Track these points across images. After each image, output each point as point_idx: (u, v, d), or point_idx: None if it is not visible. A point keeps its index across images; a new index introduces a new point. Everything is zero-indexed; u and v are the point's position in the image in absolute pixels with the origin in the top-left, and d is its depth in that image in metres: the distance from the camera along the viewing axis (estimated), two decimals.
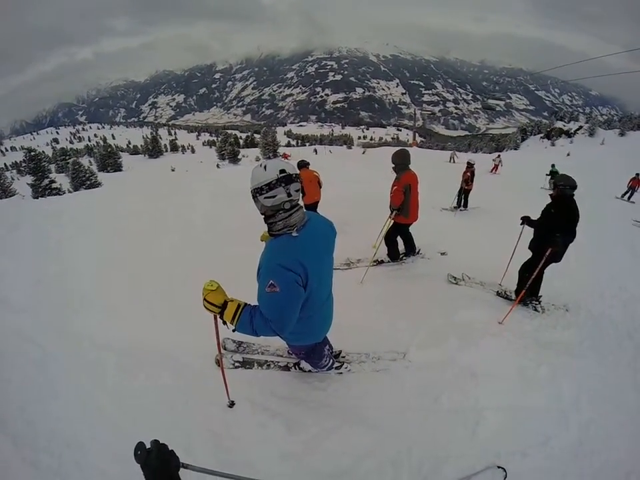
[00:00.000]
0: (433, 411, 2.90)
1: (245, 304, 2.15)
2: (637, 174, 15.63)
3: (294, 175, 2.04)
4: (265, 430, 2.76)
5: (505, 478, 2.35)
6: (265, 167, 2.00)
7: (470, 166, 11.10)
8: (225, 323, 2.15)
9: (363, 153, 38.19)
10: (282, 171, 1.98)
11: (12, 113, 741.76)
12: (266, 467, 2.49)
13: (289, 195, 2.02)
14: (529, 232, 4.41)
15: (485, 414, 2.81)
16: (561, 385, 3.13)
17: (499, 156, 23.66)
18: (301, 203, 2.23)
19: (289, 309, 2.03)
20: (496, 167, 21.61)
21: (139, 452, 1.26)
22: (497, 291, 4.76)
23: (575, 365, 3.41)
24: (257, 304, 2.11)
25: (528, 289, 4.14)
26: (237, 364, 3.34)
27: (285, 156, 41.50)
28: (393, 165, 5.03)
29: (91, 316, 4.35)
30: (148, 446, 1.31)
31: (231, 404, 2.93)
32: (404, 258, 5.57)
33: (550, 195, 4.13)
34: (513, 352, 3.52)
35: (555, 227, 3.88)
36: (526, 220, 4.44)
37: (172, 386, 3.19)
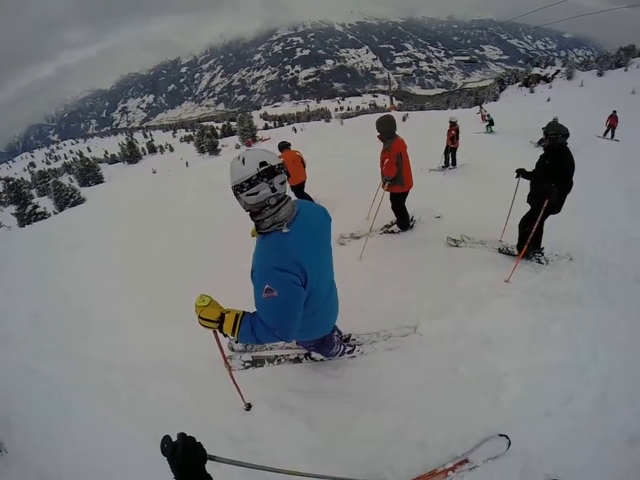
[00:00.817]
0: (451, 383, 2.84)
1: (244, 313, 1.99)
2: (614, 111, 15.63)
3: (277, 167, 1.80)
4: (285, 428, 2.70)
5: (509, 445, 2.32)
6: (243, 161, 1.77)
7: (453, 124, 10.86)
8: (225, 335, 2.03)
9: (341, 124, 37.65)
10: (262, 164, 1.75)
11: None
12: (293, 466, 2.44)
13: (274, 189, 1.80)
14: (525, 185, 4.28)
15: (505, 380, 2.77)
16: (576, 338, 3.08)
17: (481, 107, 26.82)
18: (288, 188, 2.01)
19: (290, 313, 1.86)
20: (483, 116, 22.99)
21: (165, 445, 1.23)
22: (499, 248, 4.66)
23: (587, 315, 3.34)
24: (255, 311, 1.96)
25: (530, 242, 4.06)
26: (247, 364, 3.26)
27: (264, 139, 40.97)
28: (379, 134, 4.83)
29: (94, 336, 4.30)
30: (175, 439, 1.27)
31: (248, 406, 2.87)
32: (413, 225, 5.45)
33: (542, 145, 4.01)
34: (524, 310, 3.45)
35: (550, 178, 3.77)
36: (521, 172, 4.28)
37: (185, 396, 3.13)
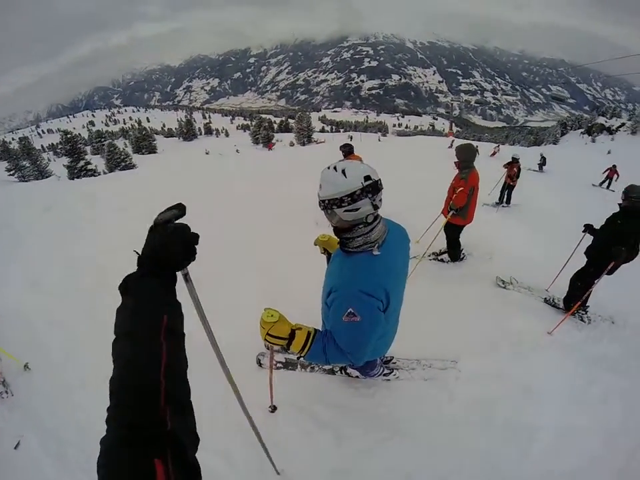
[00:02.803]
0: (485, 426, 2.74)
1: (315, 330, 1.84)
2: (614, 165, 16.81)
3: (379, 182, 1.64)
4: (311, 439, 2.63)
5: None
6: (343, 172, 1.58)
7: (515, 161, 10.48)
8: (286, 350, 1.88)
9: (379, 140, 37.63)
10: (367, 178, 1.58)
11: (49, 97, 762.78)
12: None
13: (375, 207, 1.64)
14: (587, 240, 4.13)
15: (539, 434, 2.67)
16: (610, 405, 2.96)
17: (498, 145, 29.79)
18: None
19: (369, 340, 1.73)
20: (494, 153, 24.66)
21: (174, 210, 0.97)
22: (545, 298, 4.49)
23: (623, 383, 3.18)
24: (327, 329, 1.84)
25: (580, 299, 3.91)
26: (279, 364, 3.18)
27: (320, 141, 41.07)
28: (457, 160, 4.69)
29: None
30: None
31: (273, 409, 2.79)
32: (464, 258, 5.32)
33: (619, 204, 3.78)
34: (563, 367, 3.33)
35: (619, 240, 3.56)
36: (589, 228, 4.11)
37: (210, 386, 3.04)
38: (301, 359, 1.88)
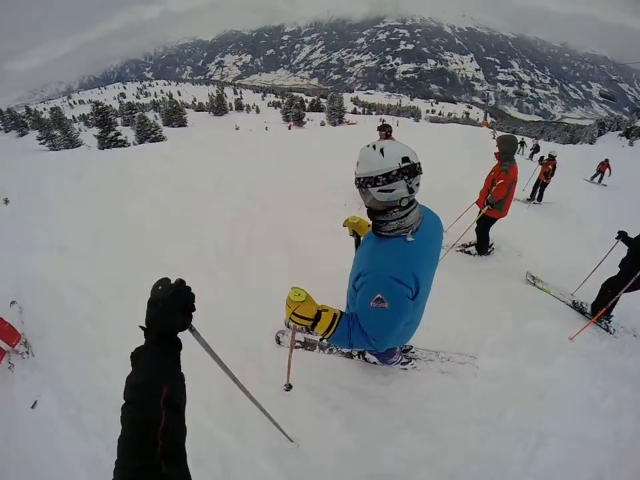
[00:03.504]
0: (496, 426, 2.72)
1: (341, 313, 1.79)
2: (606, 159, 16.10)
3: (418, 165, 1.58)
4: (322, 421, 2.64)
5: None
6: (381, 151, 1.54)
7: (552, 158, 10.22)
8: (309, 331, 1.85)
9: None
10: (405, 159, 1.53)
11: (80, 69, 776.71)
12: (318, 461, 2.42)
13: (411, 190, 1.59)
14: (620, 248, 4.00)
15: (548, 440, 2.63)
16: (622, 420, 2.89)
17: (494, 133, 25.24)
18: None
19: (395, 327, 1.69)
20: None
21: (161, 286, 1.07)
22: (573, 301, 4.38)
23: (637, 398, 3.10)
24: (352, 312, 1.79)
25: (608, 308, 3.82)
26: (297, 344, 3.18)
27: (351, 123, 40.61)
28: (498, 152, 4.59)
29: (149, 272, 4.30)
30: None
31: (288, 387, 2.81)
32: (491, 252, 5.22)
33: None
34: (581, 376, 3.25)
35: None
36: (623, 235, 3.98)
37: (228, 358, 3.06)
38: (324, 340, 1.84)
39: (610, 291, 3.81)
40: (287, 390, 2.79)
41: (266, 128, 38.46)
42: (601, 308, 3.82)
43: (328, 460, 2.42)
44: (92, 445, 2.49)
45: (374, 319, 1.66)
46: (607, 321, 4.00)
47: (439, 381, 3.02)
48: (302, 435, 2.51)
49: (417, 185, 1.62)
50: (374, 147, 1.58)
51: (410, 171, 1.55)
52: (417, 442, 2.55)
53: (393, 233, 1.67)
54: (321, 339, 1.85)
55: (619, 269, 3.86)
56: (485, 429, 2.68)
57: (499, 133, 22.22)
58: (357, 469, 2.38)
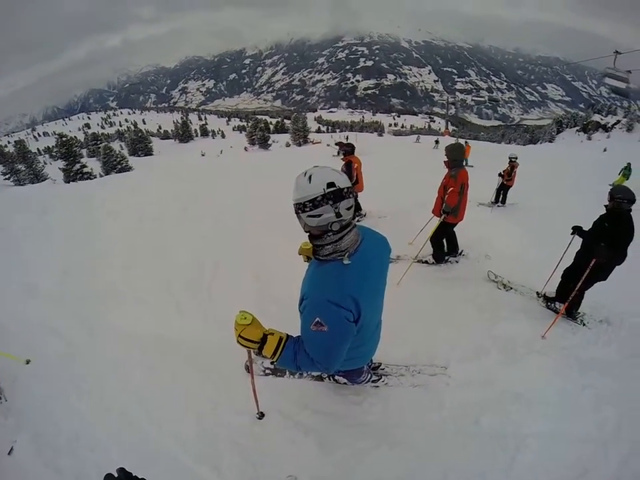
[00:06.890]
0: (472, 434, 2.71)
1: (287, 336, 1.86)
2: None
3: (345, 190, 1.63)
4: (297, 447, 2.60)
5: None
6: (309, 178, 1.61)
7: (512, 160, 10.51)
8: (263, 356, 1.89)
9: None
10: (330, 185, 1.59)
11: (44, 100, 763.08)
12: None
13: (338, 215, 1.63)
14: (577, 242, 4.13)
15: (527, 441, 2.62)
16: (603, 411, 2.89)
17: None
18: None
19: (337, 349, 1.73)
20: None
21: None
22: (544, 294, 4.48)
23: (618, 388, 3.13)
24: (299, 335, 1.84)
25: (572, 301, 3.91)
26: (267, 371, 3.15)
27: (315, 142, 41.00)
28: (447, 160, 4.74)
29: (117, 308, 4.32)
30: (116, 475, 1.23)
31: (260, 415, 2.78)
32: (449, 259, 5.29)
33: (605, 205, 3.78)
34: (556, 372, 3.28)
35: (604, 241, 3.56)
36: (577, 230, 4.10)
37: (199, 390, 3.07)
38: (274, 364, 1.88)
39: (572, 285, 3.88)
40: (259, 418, 2.76)
41: (221, 151, 38.90)
42: (563, 297, 3.97)
43: None
44: None
45: (315, 341, 1.70)
46: (577, 313, 4.09)
47: (412, 395, 3.00)
48: (277, 462, 2.48)
49: (348, 209, 1.66)
50: (305, 173, 1.66)
51: (335, 195, 1.60)
52: (394, 459, 2.52)
53: (329, 257, 1.71)
54: (271, 363, 1.89)
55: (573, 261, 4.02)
56: (461, 438, 2.66)
57: (446, 141, 23.05)
58: None
